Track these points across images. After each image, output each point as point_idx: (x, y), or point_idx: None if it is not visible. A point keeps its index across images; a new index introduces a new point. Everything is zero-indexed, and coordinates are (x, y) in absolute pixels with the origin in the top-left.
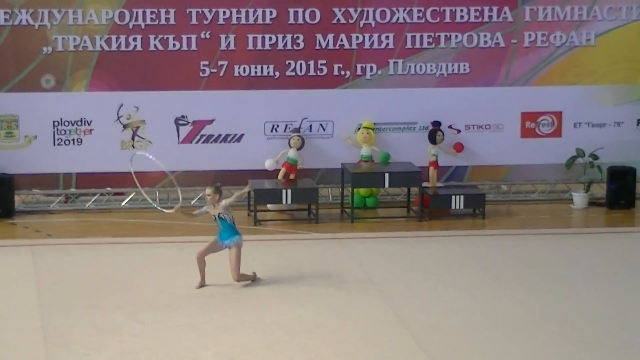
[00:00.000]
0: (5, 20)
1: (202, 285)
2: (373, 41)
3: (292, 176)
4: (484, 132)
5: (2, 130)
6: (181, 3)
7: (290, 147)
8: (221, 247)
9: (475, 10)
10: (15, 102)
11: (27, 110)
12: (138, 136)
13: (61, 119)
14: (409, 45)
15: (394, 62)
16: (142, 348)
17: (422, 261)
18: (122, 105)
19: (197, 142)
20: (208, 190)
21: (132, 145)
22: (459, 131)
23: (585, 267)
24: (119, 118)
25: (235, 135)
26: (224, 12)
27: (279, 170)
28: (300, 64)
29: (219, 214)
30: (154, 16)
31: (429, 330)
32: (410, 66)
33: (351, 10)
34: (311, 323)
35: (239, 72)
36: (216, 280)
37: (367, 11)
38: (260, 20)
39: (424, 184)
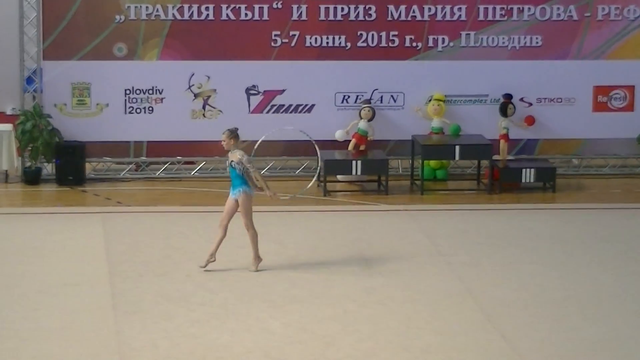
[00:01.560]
0: None
1: (210, 260)
2: (445, 13)
3: (362, 147)
4: (556, 105)
5: (74, 98)
6: None
7: (361, 118)
8: (235, 202)
9: None
10: (88, 70)
11: (99, 78)
12: (209, 105)
13: (133, 87)
14: (481, 17)
15: (466, 34)
16: (210, 317)
17: (492, 234)
18: (193, 74)
19: (267, 112)
20: (223, 136)
21: (203, 115)
22: (530, 104)
23: None
24: (190, 87)
25: (306, 105)
26: None
27: (349, 141)
28: (372, 35)
29: (231, 161)
30: None
31: (499, 305)
32: (482, 38)
33: None
34: (380, 295)
35: (310, 43)
36: (286, 251)
37: None
38: None
39: (495, 157)
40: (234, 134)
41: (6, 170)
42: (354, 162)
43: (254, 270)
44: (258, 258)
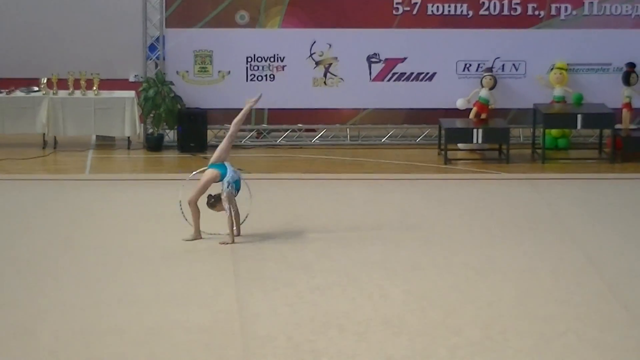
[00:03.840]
0: None
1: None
2: None
3: (483, 116)
4: None
5: (197, 65)
6: None
7: (483, 86)
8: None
9: None
10: (210, 37)
11: (221, 45)
12: (330, 73)
13: (254, 55)
14: None
15: (589, 3)
16: (331, 284)
17: (614, 204)
18: (314, 42)
19: (388, 80)
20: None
21: (324, 82)
22: None
23: None
24: (311, 55)
25: (427, 73)
26: None
27: (471, 109)
28: (494, 3)
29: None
30: None
31: (621, 275)
32: (605, 7)
33: None
34: (500, 264)
35: (432, 11)
36: (407, 219)
37: None
38: None
39: (617, 126)
40: (213, 203)
41: (129, 137)
42: (475, 131)
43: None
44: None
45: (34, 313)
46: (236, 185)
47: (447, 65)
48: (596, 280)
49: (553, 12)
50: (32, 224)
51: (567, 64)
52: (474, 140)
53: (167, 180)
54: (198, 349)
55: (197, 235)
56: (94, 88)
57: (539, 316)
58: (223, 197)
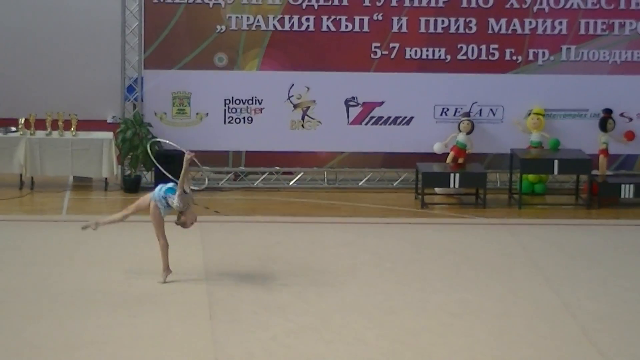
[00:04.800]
0: None
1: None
2: (546, 27)
3: (460, 160)
4: None
5: (175, 107)
6: None
7: (460, 131)
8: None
9: None
10: (188, 79)
11: (200, 87)
12: (308, 116)
13: (232, 97)
14: (582, 31)
15: (567, 48)
16: (306, 327)
17: (590, 249)
18: (293, 85)
19: (366, 123)
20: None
21: (302, 125)
22: (630, 119)
23: None
24: (289, 98)
25: (405, 117)
26: None
27: (448, 153)
28: (472, 47)
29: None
30: None
31: (596, 320)
32: (583, 52)
33: None
34: (475, 307)
35: (410, 55)
36: (382, 262)
37: None
38: (432, 3)
39: (594, 172)
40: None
41: (106, 178)
42: (452, 175)
43: (162, 282)
44: (167, 269)
45: (6, 355)
46: (167, 193)
47: (425, 110)
48: (571, 324)
49: (531, 57)
50: (8, 264)
51: (545, 109)
52: (451, 185)
53: (143, 222)
54: None
55: (168, 271)
56: (72, 129)
57: None
58: (175, 204)
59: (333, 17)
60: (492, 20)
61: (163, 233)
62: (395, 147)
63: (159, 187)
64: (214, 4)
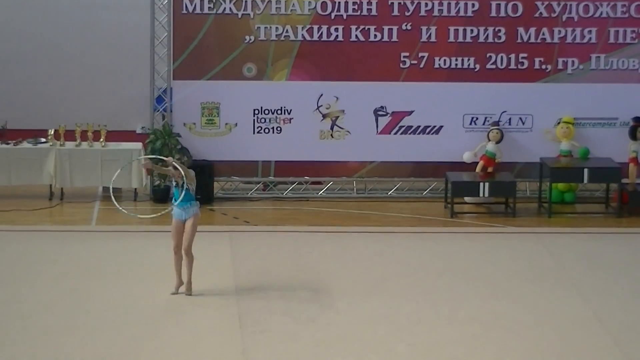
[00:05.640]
0: (209, 8)
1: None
2: (575, 35)
3: (490, 169)
4: None
5: (204, 117)
6: None
7: (489, 140)
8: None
9: None
10: (218, 90)
11: (229, 98)
12: (337, 126)
13: (261, 108)
14: (611, 40)
15: (596, 57)
16: (336, 338)
17: (620, 258)
18: (322, 95)
19: (395, 133)
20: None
21: (331, 135)
22: None
23: None
24: (318, 108)
25: (434, 127)
26: (426, 3)
27: (477, 163)
28: (501, 57)
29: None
30: (355, 7)
31: (628, 331)
32: (612, 61)
33: (554, 3)
34: (506, 318)
35: (439, 64)
36: (412, 273)
37: (570, 5)
38: (462, 13)
39: (624, 181)
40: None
41: (135, 189)
42: (481, 184)
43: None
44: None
45: None
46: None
47: (454, 119)
48: (603, 335)
49: (560, 66)
50: (38, 275)
51: (574, 118)
52: (481, 194)
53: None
54: None
55: (179, 282)
56: (101, 140)
57: None
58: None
59: (362, 27)
60: (521, 30)
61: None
62: (424, 156)
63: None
64: (242, 14)
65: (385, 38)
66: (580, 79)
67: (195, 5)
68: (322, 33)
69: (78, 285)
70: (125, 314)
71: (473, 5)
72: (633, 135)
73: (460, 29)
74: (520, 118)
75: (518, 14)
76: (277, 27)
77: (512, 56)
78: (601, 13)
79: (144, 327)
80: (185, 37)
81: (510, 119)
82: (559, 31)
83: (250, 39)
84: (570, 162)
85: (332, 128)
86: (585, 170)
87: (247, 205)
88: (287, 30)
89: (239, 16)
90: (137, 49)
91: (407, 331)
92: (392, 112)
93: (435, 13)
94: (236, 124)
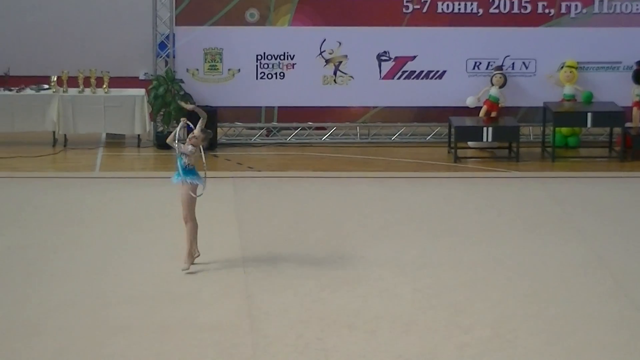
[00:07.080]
0: None
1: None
2: None
3: (493, 114)
4: None
5: (207, 63)
6: None
7: (493, 84)
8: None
9: None
10: (220, 35)
11: (231, 43)
12: (340, 71)
13: (264, 53)
14: None
15: (600, 1)
16: (341, 282)
17: (624, 203)
18: (324, 40)
19: (398, 78)
20: (198, 133)
21: (334, 80)
22: None
23: None
24: (321, 53)
25: (437, 72)
26: None
27: (481, 107)
28: (504, 1)
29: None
30: None
31: (631, 273)
32: (615, 5)
33: None
34: (509, 262)
35: (442, 9)
36: (416, 217)
37: None
38: None
39: (627, 125)
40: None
41: (139, 135)
42: (484, 129)
43: (186, 269)
44: (191, 255)
45: (42, 311)
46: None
47: (457, 64)
48: (606, 278)
49: (563, 10)
50: (42, 221)
51: (577, 62)
52: (484, 139)
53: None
54: (207, 347)
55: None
56: (104, 86)
57: (548, 315)
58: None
59: None
60: None
61: (193, 215)
62: (427, 101)
63: (176, 175)
64: None
65: None
66: (583, 22)
67: None
68: None
69: (81, 231)
70: (128, 260)
71: None
72: (637, 79)
73: None
74: (524, 62)
75: None
76: None
77: (515, 1)
78: None
79: (146, 272)
80: None
81: (513, 63)
82: None
83: None
84: (574, 106)
85: (335, 73)
86: (589, 115)
87: (251, 151)
88: None
89: None
90: None
91: (411, 275)
92: (395, 57)
93: None
94: (239, 70)
